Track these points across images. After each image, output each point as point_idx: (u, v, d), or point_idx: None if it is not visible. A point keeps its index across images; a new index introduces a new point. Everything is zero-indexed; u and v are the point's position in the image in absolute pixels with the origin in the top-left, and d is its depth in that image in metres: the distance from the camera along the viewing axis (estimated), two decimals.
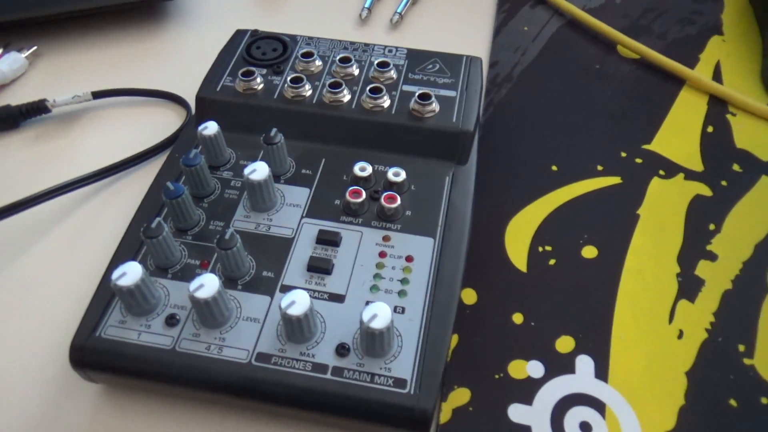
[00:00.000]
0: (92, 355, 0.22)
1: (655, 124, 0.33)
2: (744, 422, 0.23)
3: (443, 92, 0.29)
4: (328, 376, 0.21)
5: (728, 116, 0.34)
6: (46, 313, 0.26)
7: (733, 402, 0.23)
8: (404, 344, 0.22)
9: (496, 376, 0.24)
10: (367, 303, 0.23)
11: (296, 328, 0.21)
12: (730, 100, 0.34)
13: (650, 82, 0.36)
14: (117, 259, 0.24)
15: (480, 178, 0.28)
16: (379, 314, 0.20)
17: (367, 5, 0.40)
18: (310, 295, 0.23)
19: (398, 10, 0.39)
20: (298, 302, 0.21)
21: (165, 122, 0.34)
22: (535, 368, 0.24)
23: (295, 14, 0.41)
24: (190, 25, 0.40)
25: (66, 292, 0.27)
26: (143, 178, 0.31)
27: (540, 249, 0.28)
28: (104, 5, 0.37)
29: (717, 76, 0.36)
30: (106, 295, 0.23)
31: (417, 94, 0.28)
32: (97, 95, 0.34)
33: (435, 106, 0.28)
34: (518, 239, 0.28)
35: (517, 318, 0.25)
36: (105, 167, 0.30)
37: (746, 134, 0.33)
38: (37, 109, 0.33)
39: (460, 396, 0.23)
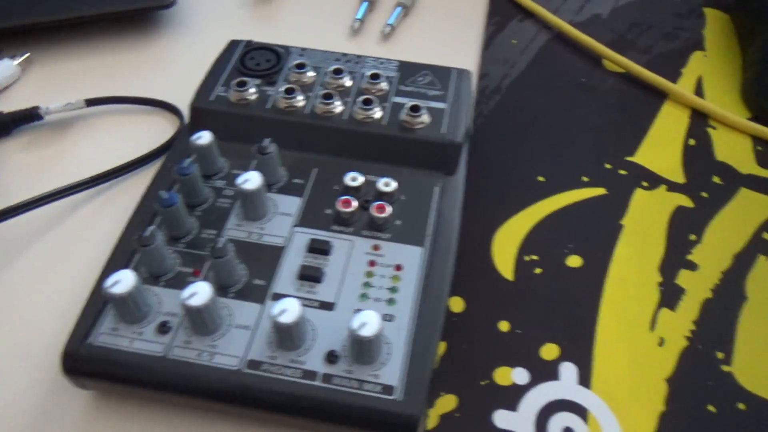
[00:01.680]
0: (84, 363, 0.22)
1: (639, 137, 0.34)
2: (722, 427, 0.23)
3: (433, 104, 0.30)
4: (318, 383, 0.21)
5: (709, 129, 0.35)
6: (37, 320, 0.26)
7: (711, 408, 0.24)
8: (392, 351, 0.22)
9: (482, 383, 0.24)
10: (357, 311, 0.23)
11: (287, 336, 0.21)
12: (711, 113, 0.35)
13: (634, 96, 0.36)
14: (110, 267, 0.24)
15: (468, 188, 0.29)
16: (369, 322, 0.21)
17: (358, 16, 0.41)
18: (301, 303, 0.23)
19: (390, 22, 0.40)
20: (289, 310, 0.21)
21: (158, 130, 0.34)
22: (520, 375, 0.25)
23: (289, 25, 0.41)
24: (185, 35, 0.40)
25: (57, 299, 0.27)
26: (135, 185, 0.31)
27: (526, 258, 0.28)
28: (98, 13, 0.37)
29: (699, 90, 0.37)
30: (98, 302, 0.23)
31: (408, 105, 0.29)
32: (90, 103, 0.34)
33: (425, 117, 0.29)
34: (505, 248, 0.29)
35: (504, 326, 0.26)
36: (97, 174, 0.31)
37: (726, 147, 0.34)
38: (29, 116, 0.33)
39: (447, 402, 0.24)
